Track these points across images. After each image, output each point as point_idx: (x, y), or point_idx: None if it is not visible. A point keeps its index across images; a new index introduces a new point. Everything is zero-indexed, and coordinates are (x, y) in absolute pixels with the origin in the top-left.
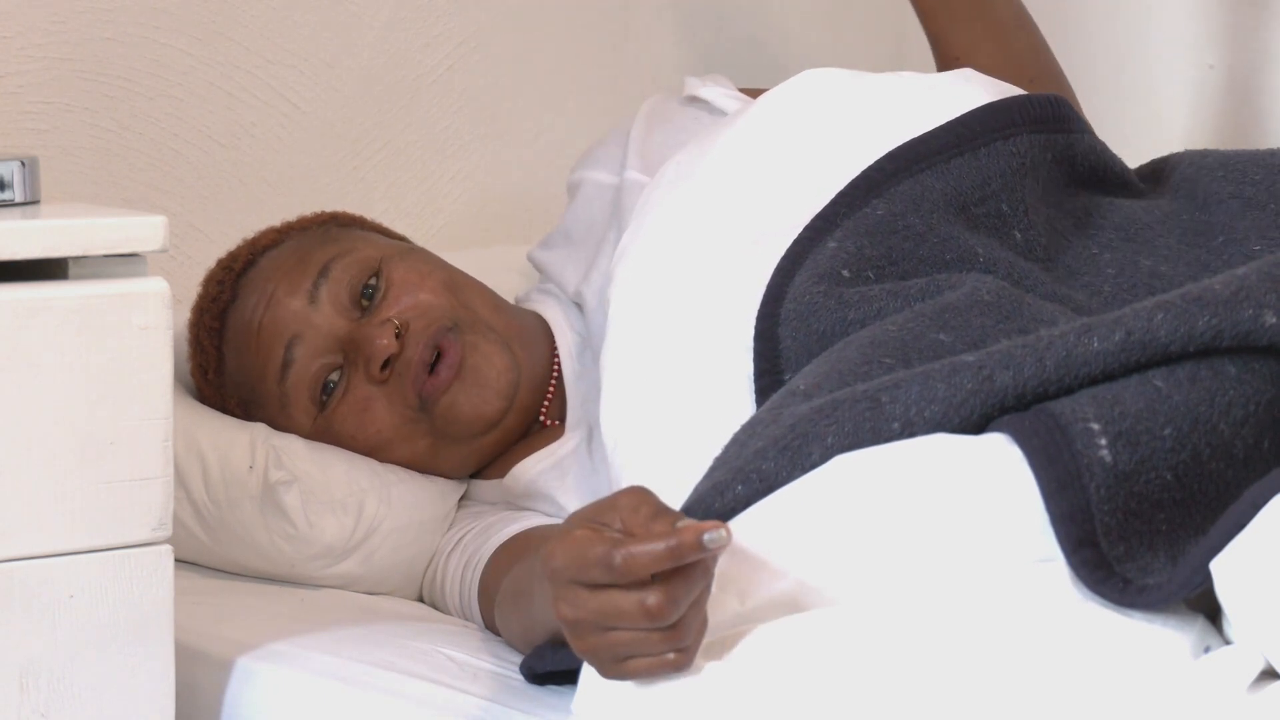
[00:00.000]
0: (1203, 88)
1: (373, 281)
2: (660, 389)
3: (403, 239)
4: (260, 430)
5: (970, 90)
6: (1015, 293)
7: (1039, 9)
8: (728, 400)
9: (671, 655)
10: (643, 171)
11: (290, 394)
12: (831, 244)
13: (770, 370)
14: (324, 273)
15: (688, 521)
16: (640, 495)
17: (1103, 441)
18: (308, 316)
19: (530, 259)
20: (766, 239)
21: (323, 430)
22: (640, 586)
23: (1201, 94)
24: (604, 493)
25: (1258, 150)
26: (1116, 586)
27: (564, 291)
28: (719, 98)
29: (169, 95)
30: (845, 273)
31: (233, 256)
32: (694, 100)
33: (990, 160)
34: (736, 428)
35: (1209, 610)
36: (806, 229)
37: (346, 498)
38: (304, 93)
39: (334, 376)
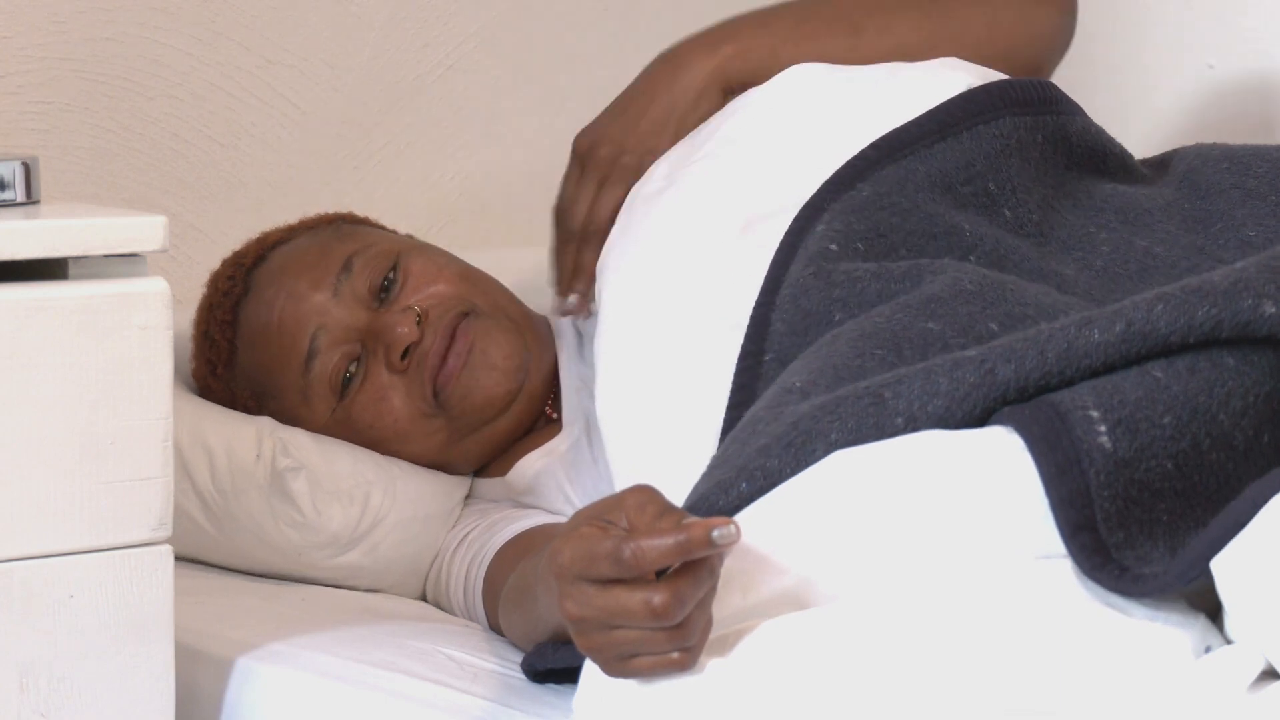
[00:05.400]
0: (1203, 88)
1: (391, 274)
2: (655, 380)
3: (410, 239)
4: (266, 422)
5: (954, 77)
6: (997, 279)
7: None
8: (722, 389)
9: (676, 654)
10: None
11: (313, 385)
12: (820, 228)
13: (754, 352)
14: (346, 267)
15: (695, 518)
16: (646, 493)
17: (1102, 429)
18: (331, 309)
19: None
20: (755, 229)
21: (341, 421)
22: (646, 585)
23: (1201, 94)
24: (605, 487)
25: (1264, 145)
26: (1113, 573)
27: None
28: None
29: (169, 95)
30: (833, 247)
31: (241, 253)
32: None
33: (974, 143)
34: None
35: (1210, 610)
36: (795, 220)
37: (353, 488)
38: (304, 93)
39: (352, 367)
